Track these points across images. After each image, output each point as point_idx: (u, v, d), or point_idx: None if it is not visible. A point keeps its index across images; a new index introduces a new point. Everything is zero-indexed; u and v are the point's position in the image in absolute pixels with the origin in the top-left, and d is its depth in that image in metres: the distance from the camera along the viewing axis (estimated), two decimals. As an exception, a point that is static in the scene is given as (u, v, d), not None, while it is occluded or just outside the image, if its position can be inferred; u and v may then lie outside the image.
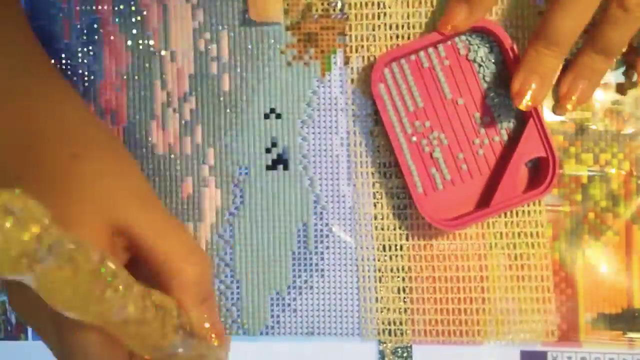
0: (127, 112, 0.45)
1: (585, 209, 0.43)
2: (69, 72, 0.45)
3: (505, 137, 0.43)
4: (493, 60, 0.42)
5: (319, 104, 0.44)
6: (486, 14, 0.41)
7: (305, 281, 0.44)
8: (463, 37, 0.42)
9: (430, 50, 0.42)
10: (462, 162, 0.43)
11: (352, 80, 0.43)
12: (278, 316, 0.44)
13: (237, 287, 0.44)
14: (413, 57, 0.42)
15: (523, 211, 0.43)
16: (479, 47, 0.42)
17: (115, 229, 0.34)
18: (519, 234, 0.43)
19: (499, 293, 0.43)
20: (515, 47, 0.41)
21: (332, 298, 0.44)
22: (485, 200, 0.42)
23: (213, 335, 0.35)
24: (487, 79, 0.42)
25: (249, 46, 0.44)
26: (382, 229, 0.44)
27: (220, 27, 0.44)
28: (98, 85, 0.45)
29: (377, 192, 0.44)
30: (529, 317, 0.43)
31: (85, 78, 0.45)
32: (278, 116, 0.44)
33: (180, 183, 0.45)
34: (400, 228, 0.44)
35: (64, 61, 0.45)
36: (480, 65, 0.42)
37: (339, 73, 0.44)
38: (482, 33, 0.42)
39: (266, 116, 0.44)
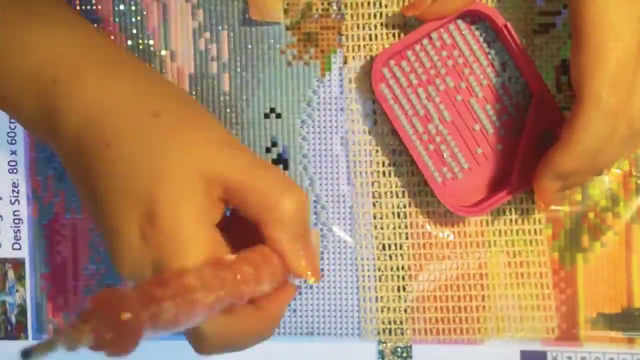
0: (127, 112, 0.45)
1: (584, 209, 0.43)
2: (69, 72, 0.45)
3: (514, 114, 0.42)
4: (488, 41, 0.42)
5: (319, 104, 0.44)
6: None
7: (305, 281, 0.44)
8: (454, 24, 0.42)
9: (425, 41, 0.42)
10: (476, 147, 0.42)
11: (352, 80, 0.43)
12: (278, 316, 0.44)
13: (237, 287, 0.44)
14: (409, 52, 0.42)
15: (522, 210, 0.43)
16: (472, 30, 0.42)
17: (208, 180, 0.33)
18: (517, 232, 0.43)
19: (498, 292, 0.43)
20: (509, 25, 0.40)
21: (332, 298, 0.44)
22: (504, 180, 0.42)
23: (309, 272, 0.35)
24: (485, 60, 0.42)
25: (249, 46, 0.44)
26: (382, 229, 0.44)
27: (220, 27, 0.44)
28: (98, 85, 0.45)
29: (377, 191, 0.44)
30: (529, 315, 0.43)
31: (86, 78, 0.45)
32: (278, 116, 0.44)
33: (180, 183, 0.45)
34: (399, 227, 0.44)
35: (64, 61, 0.45)
36: (475, 48, 0.42)
37: (339, 73, 0.44)
38: (474, 16, 0.42)
39: (266, 116, 0.44)
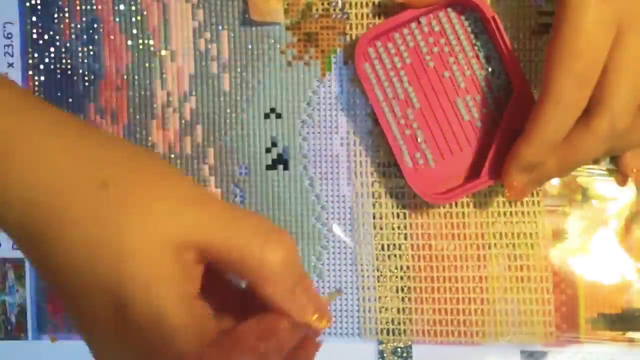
0: (128, 112, 0.45)
1: (585, 209, 0.43)
2: (69, 72, 0.45)
3: (493, 108, 0.42)
4: (475, 33, 0.42)
5: (319, 104, 0.44)
6: None
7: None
8: (444, 11, 0.42)
9: (413, 25, 0.42)
10: (452, 135, 0.42)
11: (352, 80, 0.43)
12: (278, 316, 0.44)
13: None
14: (396, 34, 0.42)
15: (522, 212, 0.43)
16: (461, 20, 0.42)
17: (177, 247, 0.29)
18: (518, 235, 0.43)
19: (498, 293, 0.43)
20: (497, 17, 0.40)
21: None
22: (476, 172, 0.42)
23: (316, 317, 0.31)
24: (471, 51, 0.42)
25: (249, 46, 0.44)
26: (382, 229, 0.44)
27: (220, 27, 0.44)
28: (98, 85, 0.45)
29: (377, 192, 0.44)
30: (529, 317, 0.43)
31: (86, 78, 0.45)
32: (278, 116, 0.44)
33: (180, 183, 0.45)
34: (399, 228, 0.44)
35: (64, 61, 0.45)
36: (462, 38, 0.42)
37: (339, 73, 0.44)
38: (463, 6, 0.42)
39: (266, 116, 0.44)
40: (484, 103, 0.42)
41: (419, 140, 0.42)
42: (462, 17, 0.42)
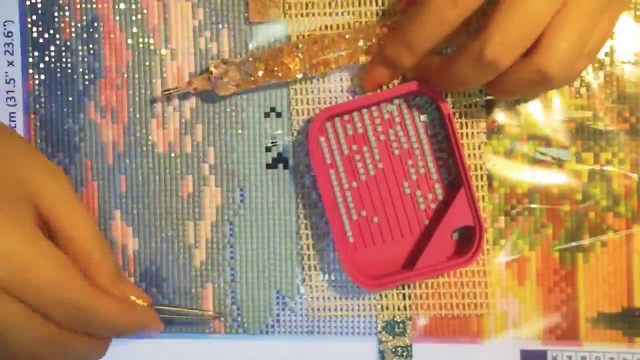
0: (128, 111, 0.45)
1: (585, 208, 0.43)
2: (69, 71, 0.45)
3: (436, 203, 0.43)
4: (434, 124, 0.42)
5: (319, 103, 0.44)
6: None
7: (305, 280, 0.44)
8: (399, 100, 0.42)
9: (365, 111, 0.42)
10: (395, 221, 0.43)
11: (353, 80, 0.43)
12: (278, 315, 0.44)
13: (238, 286, 0.44)
14: (352, 115, 0.42)
15: (523, 209, 0.43)
16: (418, 110, 0.42)
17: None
18: (518, 233, 0.43)
19: (499, 292, 0.43)
20: (451, 116, 0.41)
21: (332, 298, 0.44)
22: (411, 261, 0.42)
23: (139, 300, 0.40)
24: (423, 142, 0.42)
25: (250, 45, 0.44)
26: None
27: (220, 26, 0.44)
28: (98, 84, 0.45)
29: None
30: (529, 316, 0.43)
31: (86, 76, 0.45)
32: (278, 115, 0.44)
33: (181, 182, 0.45)
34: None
35: (64, 59, 0.45)
36: (416, 130, 0.42)
37: (339, 72, 0.44)
38: (423, 96, 0.42)
39: (266, 115, 0.44)
40: (429, 197, 0.43)
41: (362, 219, 0.43)
42: (421, 107, 0.42)
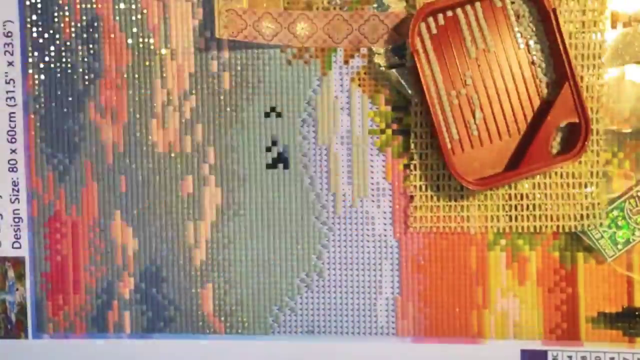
0: (128, 111, 0.45)
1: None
2: (69, 71, 0.45)
3: (538, 101, 0.42)
4: (532, 20, 0.41)
5: (319, 103, 0.44)
6: None
7: (305, 280, 0.44)
8: None
9: (468, 7, 0.42)
10: (493, 123, 0.42)
11: (353, 79, 0.43)
12: (277, 315, 0.44)
13: (238, 286, 0.44)
14: (450, 12, 0.42)
15: (523, 206, 0.43)
16: (518, 4, 0.41)
17: None
18: (519, 232, 0.43)
19: (499, 292, 0.43)
20: (556, 10, 0.40)
21: (332, 297, 0.44)
22: (514, 163, 0.42)
23: None
24: (525, 38, 0.42)
25: (250, 44, 0.44)
26: (382, 228, 0.44)
27: (220, 26, 0.44)
28: (98, 84, 0.45)
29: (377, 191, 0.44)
30: (529, 315, 0.43)
31: (86, 76, 0.45)
32: (278, 115, 0.44)
33: (181, 181, 0.45)
34: (400, 227, 0.44)
35: (64, 59, 0.45)
36: (518, 24, 0.41)
37: (339, 72, 0.44)
38: None
39: (266, 115, 0.44)
40: (531, 94, 0.42)
41: (461, 122, 0.42)
42: (521, 3, 0.41)
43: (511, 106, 0.42)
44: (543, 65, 0.42)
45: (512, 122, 0.42)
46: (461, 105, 0.42)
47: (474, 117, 0.42)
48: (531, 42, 0.42)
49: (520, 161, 0.41)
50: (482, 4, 0.42)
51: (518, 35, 0.42)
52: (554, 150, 0.42)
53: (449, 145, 0.42)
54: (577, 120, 0.41)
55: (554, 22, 0.40)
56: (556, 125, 0.41)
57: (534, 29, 0.42)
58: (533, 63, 0.42)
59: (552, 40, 0.41)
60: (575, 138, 0.41)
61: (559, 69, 0.41)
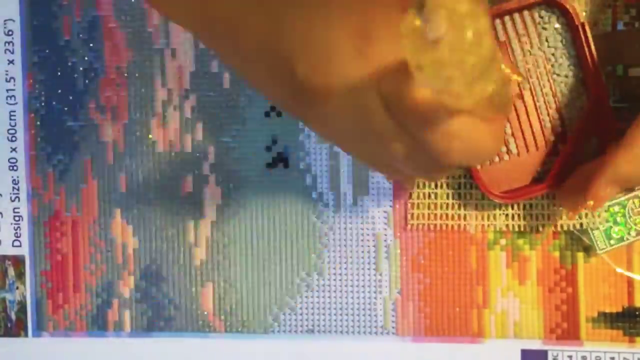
0: (128, 109, 0.45)
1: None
2: (70, 69, 0.45)
3: (567, 114, 0.42)
4: (562, 35, 0.41)
5: (319, 102, 0.44)
6: None
7: (305, 279, 0.44)
8: (534, 9, 0.41)
9: (506, 18, 0.41)
10: (521, 137, 0.42)
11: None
12: (277, 315, 0.44)
13: (237, 285, 0.44)
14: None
15: (524, 205, 0.43)
16: (549, 20, 0.41)
17: None
18: (519, 232, 0.43)
19: (499, 291, 0.43)
20: (585, 24, 0.40)
21: (332, 296, 0.44)
22: (541, 175, 0.41)
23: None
24: (555, 53, 0.41)
25: (250, 44, 0.44)
26: (382, 228, 0.44)
27: (221, 25, 0.44)
28: (99, 82, 0.45)
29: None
30: (530, 315, 0.43)
31: (86, 75, 0.45)
32: (279, 114, 0.44)
33: (181, 180, 0.45)
34: (400, 226, 0.44)
35: (64, 58, 0.45)
36: (548, 40, 0.41)
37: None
38: (554, 7, 0.41)
39: (267, 114, 0.44)
40: (559, 107, 0.42)
41: (506, 132, 0.42)
42: (549, 18, 0.41)
43: (539, 119, 0.42)
44: (572, 78, 0.42)
45: (539, 136, 0.42)
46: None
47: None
48: (559, 55, 0.42)
49: (546, 174, 0.41)
50: (516, 16, 0.41)
51: (546, 47, 0.42)
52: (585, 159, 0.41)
53: None
54: (605, 134, 0.40)
55: (582, 36, 0.40)
56: (584, 139, 0.40)
57: (563, 41, 0.41)
58: (564, 79, 0.42)
59: (580, 54, 0.41)
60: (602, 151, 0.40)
61: (588, 85, 0.41)
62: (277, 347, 0.45)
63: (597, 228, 0.42)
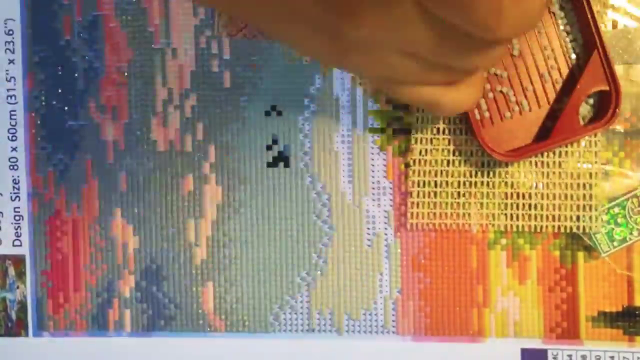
0: (128, 109, 0.45)
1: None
2: (70, 69, 0.45)
3: (567, 71, 0.42)
4: None
5: (320, 102, 0.44)
6: None
7: (305, 279, 0.44)
8: None
9: None
10: (522, 94, 0.42)
11: (354, 78, 0.43)
12: (278, 314, 0.44)
13: (238, 285, 0.45)
14: None
15: (524, 205, 0.43)
16: None
17: None
18: (519, 231, 0.43)
19: (499, 290, 0.43)
20: None
21: (332, 296, 0.44)
22: (543, 133, 0.42)
23: None
24: (552, 8, 0.41)
25: (250, 43, 0.44)
26: (383, 227, 0.44)
27: (221, 24, 0.44)
28: (99, 82, 0.45)
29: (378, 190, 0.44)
30: (530, 314, 0.43)
31: (87, 74, 0.45)
32: (279, 113, 0.44)
33: (181, 180, 0.45)
34: (400, 225, 0.44)
35: (65, 57, 0.45)
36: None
37: (340, 70, 0.44)
38: None
39: (267, 113, 0.44)
40: (559, 63, 0.42)
41: (489, 94, 0.42)
42: None
43: (540, 77, 0.42)
44: (571, 34, 0.42)
45: (541, 93, 0.42)
46: (489, 78, 0.42)
47: (502, 89, 0.42)
48: (558, 11, 0.42)
49: (549, 132, 0.41)
50: None
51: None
52: (584, 120, 0.42)
53: (477, 117, 0.42)
54: (606, 88, 0.40)
55: None
56: (586, 94, 0.40)
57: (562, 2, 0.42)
58: (561, 32, 0.42)
59: (579, 8, 0.41)
60: (605, 107, 0.40)
61: (586, 37, 0.41)
62: (278, 346, 0.45)
63: (599, 231, 0.42)
